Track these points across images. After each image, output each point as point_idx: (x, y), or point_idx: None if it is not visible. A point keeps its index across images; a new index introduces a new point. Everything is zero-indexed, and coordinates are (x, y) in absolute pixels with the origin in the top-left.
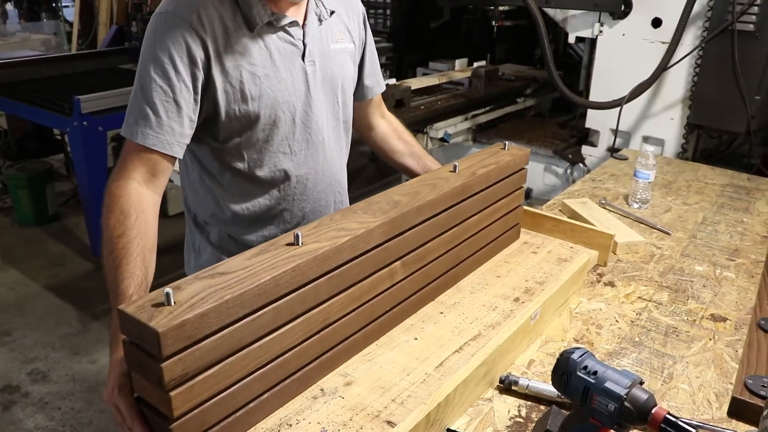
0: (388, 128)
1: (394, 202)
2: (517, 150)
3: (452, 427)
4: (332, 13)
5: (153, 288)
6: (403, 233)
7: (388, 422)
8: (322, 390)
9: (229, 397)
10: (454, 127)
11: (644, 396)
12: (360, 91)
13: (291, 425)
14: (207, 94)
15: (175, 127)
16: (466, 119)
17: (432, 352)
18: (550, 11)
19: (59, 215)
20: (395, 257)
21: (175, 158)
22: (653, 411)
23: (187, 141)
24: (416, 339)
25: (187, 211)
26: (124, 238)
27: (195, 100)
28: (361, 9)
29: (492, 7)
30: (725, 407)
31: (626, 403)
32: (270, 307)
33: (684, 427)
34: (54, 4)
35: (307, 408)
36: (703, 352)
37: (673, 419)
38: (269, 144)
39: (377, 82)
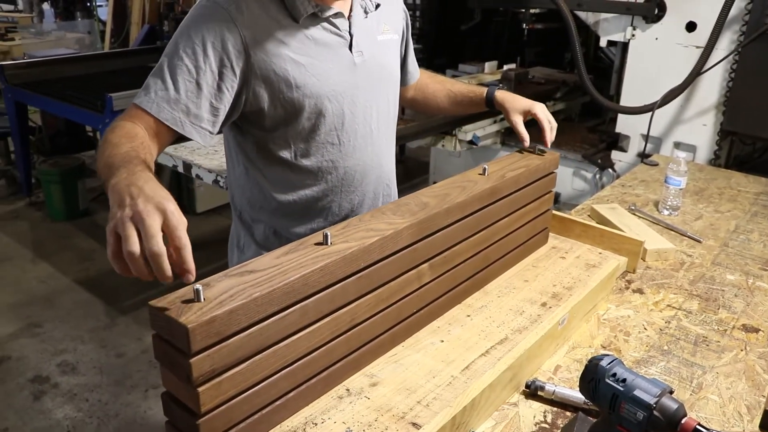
0: (416, 92)
1: (423, 203)
2: (546, 154)
3: (477, 431)
4: (378, 6)
5: (182, 285)
6: (431, 235)
7: (413, 424)
8: (347, 390)
9: (256, 395)
10: (483, 129)
11: (674, 405)
12: (404, 78)
13: (316, 424)
14: (248, 83)
15: (191, 108)
16: (495, 122)
17: (458, 354)
18: (581, 14)
19: (90, 210)
20: (423, 259)
21: (177, 135)
22: (683, 421)
23: (205, 125)
24: (443, 341)
25: (234, 208)
26: (126, 145)
27: (219, 87)
28: None
29: (523, 10)
30: (757, 420)
31: (655, 412)
32: (298, 305)
33: None
34: (88, 4)
35: (333, 407)
36: (734, 363)
37: (704, 430)
38: (316, 134)
39: (416, 66)
